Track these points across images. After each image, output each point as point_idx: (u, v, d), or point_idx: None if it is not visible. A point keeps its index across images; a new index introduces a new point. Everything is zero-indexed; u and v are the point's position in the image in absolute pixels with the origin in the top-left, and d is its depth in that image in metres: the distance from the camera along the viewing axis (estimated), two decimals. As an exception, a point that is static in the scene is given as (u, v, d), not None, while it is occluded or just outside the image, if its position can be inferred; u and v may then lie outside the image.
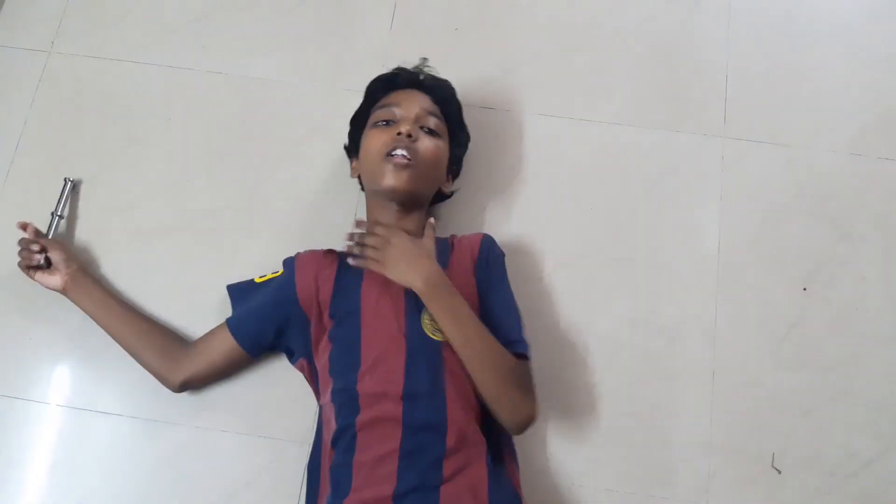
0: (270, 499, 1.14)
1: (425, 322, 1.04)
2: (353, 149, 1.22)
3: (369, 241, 1.03)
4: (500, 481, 1.00)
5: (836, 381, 1.21)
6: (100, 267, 1.24)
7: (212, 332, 1.15)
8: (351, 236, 1.05)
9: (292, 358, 1.13)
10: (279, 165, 1.30)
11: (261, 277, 1.16)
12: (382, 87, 1.20)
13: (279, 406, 1.18)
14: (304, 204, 1.28)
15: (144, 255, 1.25)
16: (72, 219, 1.27)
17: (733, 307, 1.24)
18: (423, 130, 1.13)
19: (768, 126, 1.34)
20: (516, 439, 1.10)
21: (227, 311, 1.16)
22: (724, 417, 1.19)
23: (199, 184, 1.29)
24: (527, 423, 1.02)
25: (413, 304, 1.05)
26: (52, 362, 1.21)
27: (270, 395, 1.18)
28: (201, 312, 1.19)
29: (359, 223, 1.08)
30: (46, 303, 1.20)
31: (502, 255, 1.14)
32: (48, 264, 1.16)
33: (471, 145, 1.24)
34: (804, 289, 1.26)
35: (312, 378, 1.11)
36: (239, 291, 1.17)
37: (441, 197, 1.22)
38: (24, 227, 1.19)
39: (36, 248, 1.15)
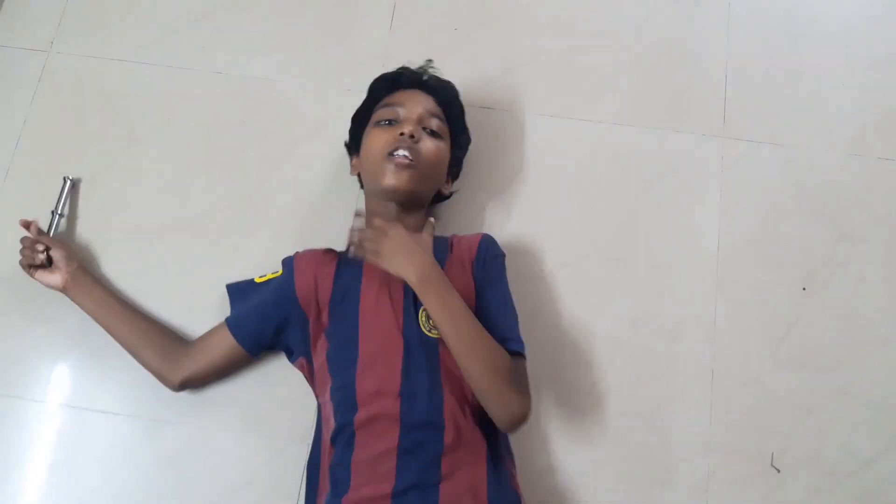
0: (270, 497, 1.14)
1: (423, 320, 1.04)
2: (353, 146, 1.22)
3: (367, 232, 1.05)
4: (499, 480, 1.01)
5: (836, 380, 1.21)
6: (99, 266, 1.24)
7: (211, 332, 1.15)
8: (352, 229, 1.06)
9: (291, 357, 1.13)
10: (278, 165, 1.30)
11: (260, 277, 1.16)
12: (386, 86, 1.20)
13: (279, 405, 1.18)
14: (304, 203, 1.28)
15: (144, 255, 1.25)
16: (71, 218, 1.27)
17: (733, 307, 1.24)
18: (425, 132, 1.13)
19: (768, 126, 1.34)
20: (517, 439, 1.10)
21: (227, 311, 1.16)
22: (723, 417, 1.19)
23: (198, 183, 1.29)
24: (519, 420, 1.00)
25: (411, 302, 1.05)
26: (51, 361, 1.21)
27: (270, 394, 1.18)
28: (201, 312, 1.19)
29: (358, 213, 1.09)
30: (46, 302, 1.20)
31: (502, 255, 1.14)
32: (49, 263, 1.16)
33: (470, 146, 1.24)
34: (804, 289, 1.26)
35: (311, 377, 1.11)
36: (238, 291, 1.17)
37: (440, 198, 1.22)
38: (26, 225, 1.19)
39: (41, 247, 1.16)
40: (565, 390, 1.20)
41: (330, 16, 1.39)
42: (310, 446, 1.11)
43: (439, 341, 1.03)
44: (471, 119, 1.24)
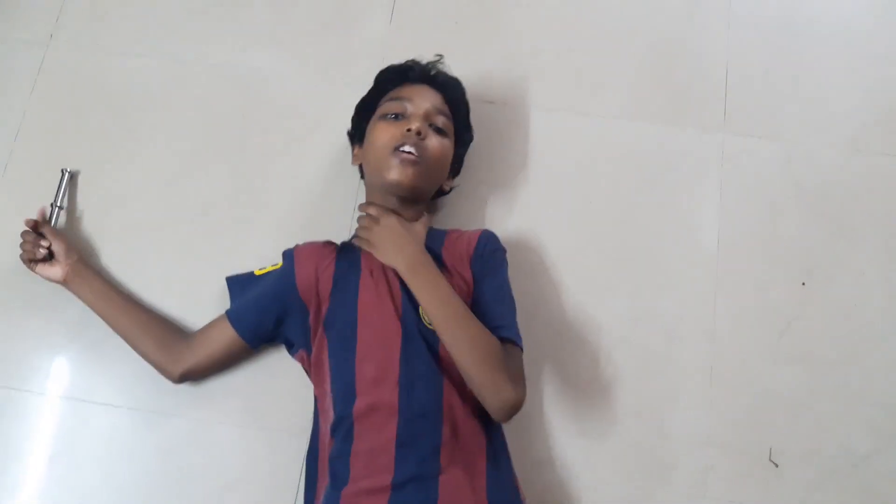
0: (269, 489, 1.15)
1: (422, 311, 1.04)
2: (356, 136, 1.22)
3: (362, 220, 1.07)
4: (499, 472, 1.01)
5: (835, 376, 1.22)
6: (99, 258, 1.24)
7: (211, 324, 1.15)
8: (358, 218, 1.11)
9: (291, 349, 1.14)
10: (278, 158, 1.30)
11: (260, 270, 1.16)
12: (394, 78, 1.19)
13: (278, 397, 1.18)
14: (303, 197, 1.28)
15: (143, 247, 1.25)
16: (70, 210, 1.27)
17: (732, 302, 1.24)
18: (431, 128, 1.13)
19: (768, 122, 1.34)
20: (517, 432, 1.10)
21: (226, 304, 1.16)
22: (722, 412, 1.20)
23: (197, 176, 1.29)
24: (511, 408, 0.99)
25: (411, 293, 1.05)
26: (51, 353, 1.21)
27: (269, 386, 1.18)
28: (200, 304, 1.19)
29: (361, 206, 1.11)
30: (46, 294, 1.20)
31: (502, 250, 1.14)
32: (50, 256, 1.17)
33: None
34: (803, 284, 1.26)
35: (311, 369, 1.11)
36: (238, 283, 1.17)
37: (440, 193, 1.22)
38: (34, 224, 1.18)
39: (45, 243, 1.16)
40: (565, 384, 1.20)
41: (329, 9, 1.39)
42: (309, 439, 1.11)
43: None
44: (471, 113, 1.24)
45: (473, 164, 1.28)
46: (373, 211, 1.09)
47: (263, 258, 1.17)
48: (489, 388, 0.98)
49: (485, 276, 1.09)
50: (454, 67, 1.23)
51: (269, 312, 1.11)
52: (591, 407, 1.20)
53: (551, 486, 1.16)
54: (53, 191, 1.24)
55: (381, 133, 1.12)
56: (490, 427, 1.04)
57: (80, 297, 1.16)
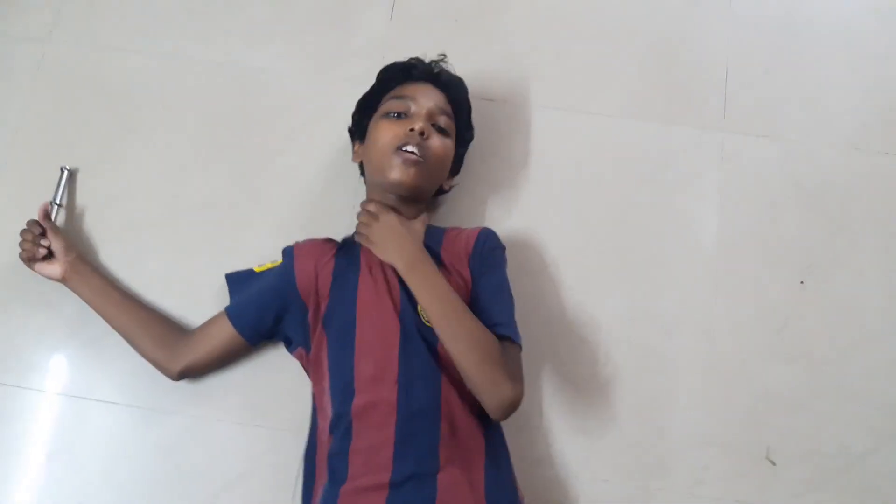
0: (267, 487, 1.15)
1: (421, 309, 1.04)
2: (357, 133, 1.21)
3: (361, 217, 1.07)
4: (498, 471, 1.01)
5: (832, 374, 1.22)
6: (98, 256, 1.24)
7: (211, 321, 1.15)
8: (358, 214, 1.11)
9: (290, 346, 1.14)
10: (277, 155, 1.30)
11: (260, 267, 1.16)
12: (397, 76, 1.19)
13: (277, 395, 1.18)
14: (302, 193, 1.28)
15: (142, 244, 1.25)
16: (69, 208, 1.27)
17: (730, 300, 1.25)
18: (434, 128, 1.13)
19: (767, 120, 1.34)
20: (515, 430, 1.10)
21: (226, 301, 1.16)
22: (719, 410, 1.20)
23: (196, 173, 1.29)
24: (509, 406, 0.98)
25: (410, 291, 1.05)
26: (49, 350, 1.21)
27: (268, 384, 1.18)
28: (199, 301, 1.19)
29: (361, 203, 1.12)
30: (44, 291, 1.20)
31: (501, 248, 1.14)
32: (49, 254, 1.16)
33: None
34: (801, 282, 1.26)
35: (310, 366, 1.11)
36: (237, 280, 1.17)
37: (439, 191, 1.22)
38: (43, 217, 1.18)
39: (46, 242, 1.16)
40: (563, 382, 1.21)
41: (329, 5, 1.38)
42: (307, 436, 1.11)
43: None
44: (472, 112, 1.24)
45: (473, 161, 1.28)
46: (372, 207, 1.09)
47: (263, 256, 1.17)
48: (487, 386, 0.98)
49: (483, 273, 1.09)
50: (454, 64, 1.23)
51: (268, 309, 1.11)
52: (589, 405, 1.20)
53: (550, 484, 1.16)
54: (52, 189, 1.24)
55: (384, 132, 1.12)
56: (489, 425, 1.04)
57: (78, 294, 1.16)
